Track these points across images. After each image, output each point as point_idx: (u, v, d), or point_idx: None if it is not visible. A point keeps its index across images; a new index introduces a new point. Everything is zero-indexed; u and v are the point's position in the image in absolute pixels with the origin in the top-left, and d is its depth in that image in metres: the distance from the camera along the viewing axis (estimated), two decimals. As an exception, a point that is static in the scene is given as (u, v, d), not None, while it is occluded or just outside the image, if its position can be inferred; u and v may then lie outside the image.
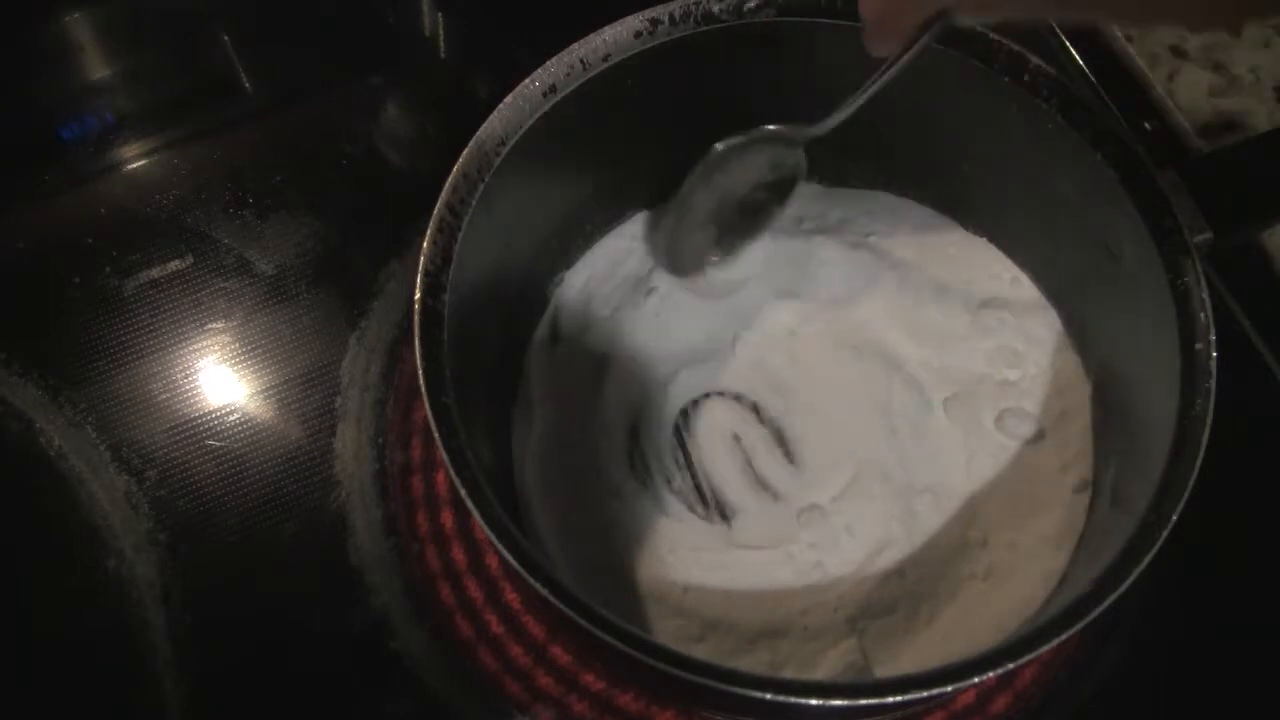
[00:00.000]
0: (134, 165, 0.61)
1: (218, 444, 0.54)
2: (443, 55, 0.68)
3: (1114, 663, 0.49)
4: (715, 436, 0.51)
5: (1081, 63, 0.63)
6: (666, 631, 0.46)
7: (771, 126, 0.47)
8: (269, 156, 0.61)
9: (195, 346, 0.56)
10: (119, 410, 0.54)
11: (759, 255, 0.54)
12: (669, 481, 0.50)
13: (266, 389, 0.55)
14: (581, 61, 0.45)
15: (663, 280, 0.54)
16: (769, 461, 0.51)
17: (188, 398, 0.55)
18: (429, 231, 0.42)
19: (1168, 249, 0.42)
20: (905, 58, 0.39)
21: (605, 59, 0.45)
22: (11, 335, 0.56)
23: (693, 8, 0.46)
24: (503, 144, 0.44)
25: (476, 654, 0.49)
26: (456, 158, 0.43)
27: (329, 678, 0.50)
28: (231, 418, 0.54)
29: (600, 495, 0.49)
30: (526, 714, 0.48)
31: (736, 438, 0.51)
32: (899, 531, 0.48)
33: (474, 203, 0.43)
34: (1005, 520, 0.49)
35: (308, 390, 0.55)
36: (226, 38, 0.66)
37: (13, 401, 0.54)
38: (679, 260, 0.53)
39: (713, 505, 0.50)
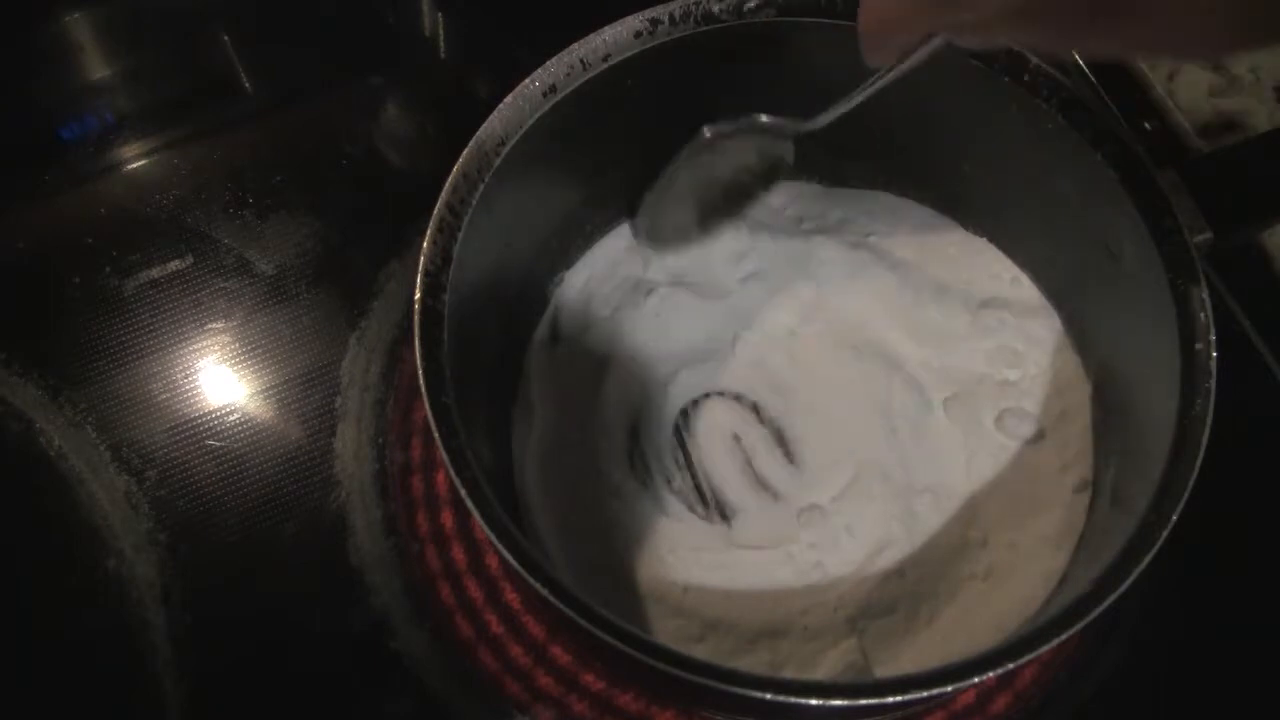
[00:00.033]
0: (134, 165, 0.61)
1: (218, 444, 0.54)
2: (443, 55, 0.68)
3: (1114, 663, 0.49)
4: (715, 436, 0.51)
5: (1081, 63, 0.63)
6: (666, 631, 0.46)
7: (764, 117, 0.47)
8: (269, 156, 0.61)
9: (195, 346, 0.56)
10: (119, 410, 0.54)
11: (759, 255, 0.54)
12: (669, 481, 0.50)
13: (266, 389, 0.55)
14: (581, 61, 0.45)
15: (663, 280, 0.54)
16: (769, 461, 0.51)
17: (188, 398, 0.55)
18: (429, 231, 0.42)
19: (1168, 249, 0.42)
20: (900, 69, 0.39)
21: (605, 59, 0.45)
22: (11, 335, 0.56)
23: (693, 8, 0.46)
24: (503, 144, 0.44)
25: (476, 654, 0.50)
26: (456, 158, 0.43)
27: (329, 678, 0.50)
28: (231, 418, 0.54)
29: (600, 495, 0.49)
30: (526, 714, 0.48)
31: (736, 438, 0.51)
32: (899, 531, 0.48)
33: (474, 203, 0.43)
34: (1005, 520, 0.49)
35: (308, 390, 0.55)
36: (226, 38, 0.66)
37: (13, 401, 0.54)
38: (657, 233, 0.53)
39: (713, 505, 0.50)
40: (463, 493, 0.37)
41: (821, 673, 0.46)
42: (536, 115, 0.45)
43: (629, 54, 0.46)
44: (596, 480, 0.50)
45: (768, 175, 0.51)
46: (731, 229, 0.54)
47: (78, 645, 0.50)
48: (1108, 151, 0.44)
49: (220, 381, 0.55)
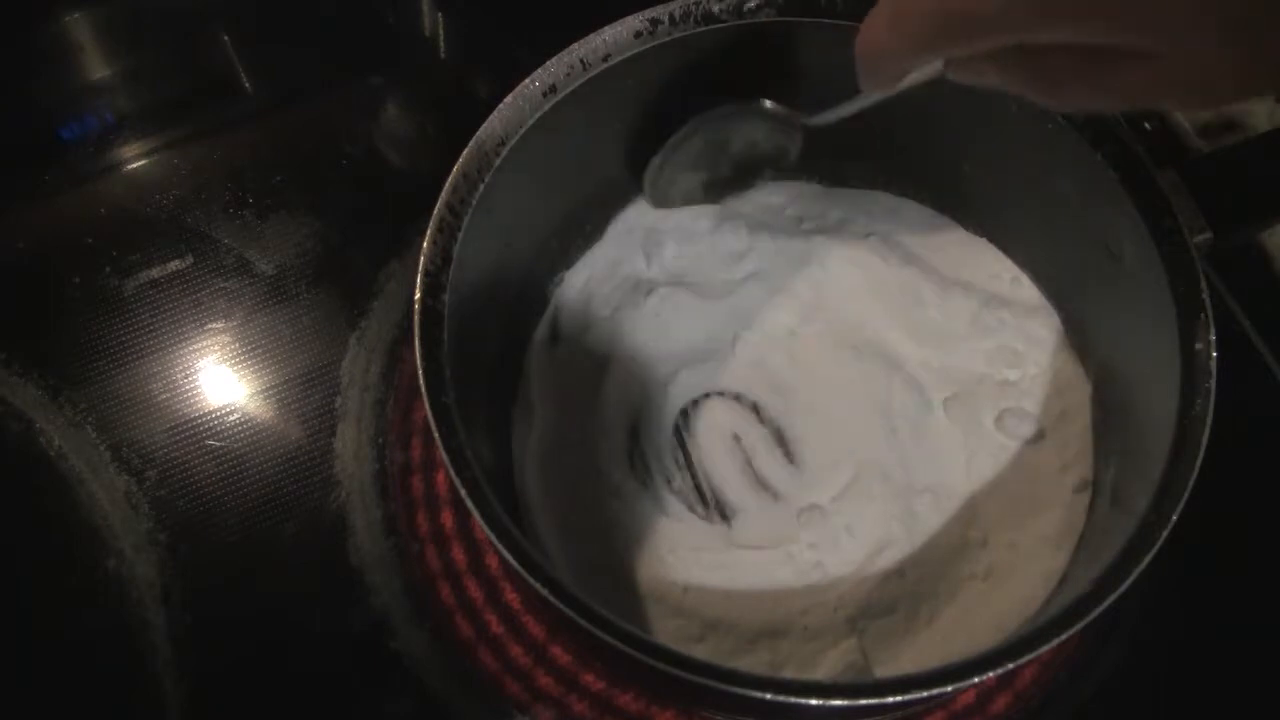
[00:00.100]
0: (134, 165, 0.61)
1: (218, 444, 0.54)
2: (443, 55, 0.68)
3: (1114, 663, 0.49)
4: (715, 436, 0.51)
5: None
6: (666, 631, 0.46)
7: (768, 104, 0.47)
8: (269, 156, 0.61)
9: (195, 346, 0.56)
10: (119, 410, 0.54)
11: (759, 255, 0.54)
12: (669, 481, 0.50)
13: (266, 389, 0.55)
14: (581, 61, 0.45)
15: (663, 280, 0.54)
16: (769, 461, 0.51)
17: (188, 398, 0.55)
18: (429, 231, 0.42)
19: (1168, 249, 0.42)
20: (898, 89, 0.40)
21: (605, 59, 0.45)
22: (11, 335, 0.56)
23: (693, 8, 0.46)
24: (503, 144, 0.44)
25: (476, 654, 0.50)
26: (456, 158, 0.43)
27: (329, 678, 0.50)
28: (231, 418, 0.54)
29: (600, 495, 0.49)
30: (526, 714, 0.48)
31: (736, 438, 0.51)
32: (899, 531, 0.48)
33: (474, 203, 0.43)
34: (1005, 520, 0.49)
35: (308, 390, 0.55)
36: (226, 38, 0.66)
37: (13, 401, 0.54)
38: (660, 192, 0.53)
39: (713, 505, 0.50)
40: (463, 493, 0.37)
41: (821, 673, 0.46)
42: (536, 115, 0.45)
43: (629, 54, 0.46)
44: (596, 480, 0.50)
45: (776, 158, 0.51)
46: (735, 205, 0.55)
47: (78, 645, 0.50)
48: (1108, 151, 0.44)
49: (220, 381, 0.55)
